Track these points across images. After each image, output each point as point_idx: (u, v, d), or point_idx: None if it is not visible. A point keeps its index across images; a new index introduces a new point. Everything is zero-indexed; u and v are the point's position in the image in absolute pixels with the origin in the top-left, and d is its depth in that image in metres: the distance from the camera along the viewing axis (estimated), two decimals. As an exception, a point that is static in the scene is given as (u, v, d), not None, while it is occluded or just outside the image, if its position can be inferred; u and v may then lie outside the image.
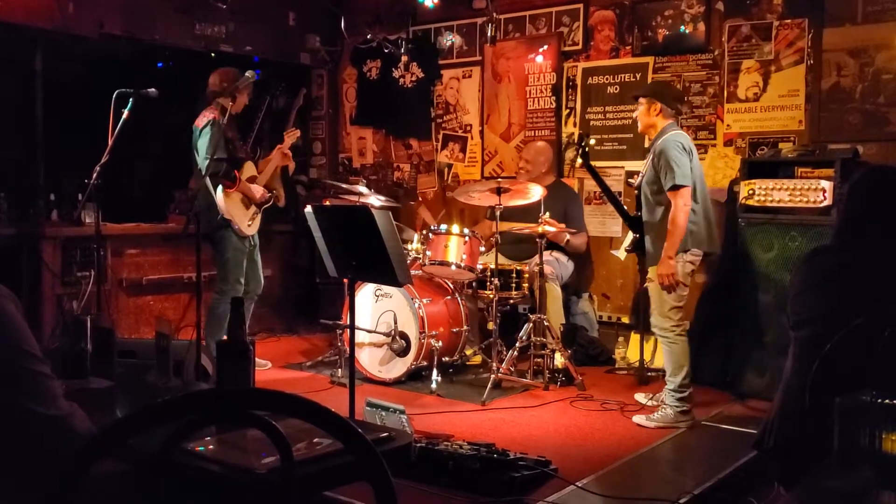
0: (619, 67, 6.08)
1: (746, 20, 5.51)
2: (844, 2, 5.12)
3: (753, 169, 5.05)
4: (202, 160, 5.14)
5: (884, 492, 1.75)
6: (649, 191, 4.49)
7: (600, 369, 5.62)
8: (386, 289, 5.19)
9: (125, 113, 4.70)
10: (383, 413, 3.79)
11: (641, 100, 4.63)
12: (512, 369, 5.19)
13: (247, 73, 5.17)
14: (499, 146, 6.76)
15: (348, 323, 3.96)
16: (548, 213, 5.17)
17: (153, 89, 4.83)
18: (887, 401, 1.75)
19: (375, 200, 5.64)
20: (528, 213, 5.38)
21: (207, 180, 5.09)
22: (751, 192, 4.93)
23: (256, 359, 2.49)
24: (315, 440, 1.68)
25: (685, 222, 4.30)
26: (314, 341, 6.53)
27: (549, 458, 3.62)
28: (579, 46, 6.27)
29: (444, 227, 5.34)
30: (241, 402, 1.28)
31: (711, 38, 5.65)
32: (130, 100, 4.72)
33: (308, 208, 3.88)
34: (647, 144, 4.70)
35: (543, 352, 5.12)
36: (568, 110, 6.37)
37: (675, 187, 4.29)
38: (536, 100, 6.50)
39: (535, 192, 5.23)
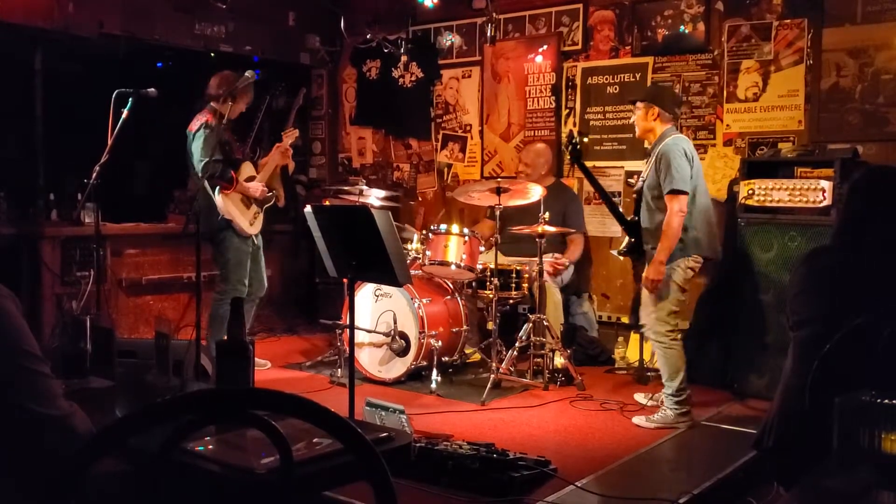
0: (619, 67, 6.08)
1: (746, 20, 5.51)
2: (844, 2, 5.12)
3: (753, 169, 5.05)
4: (197, 163, 5.14)
5: (883, 492, 1.75)
6: (650, 195, 4.46)
7: (600, 369, 5.62)
8: (386, 289, 5.19)
9: (125, 113, 4.70)
10: (383, 413, 3.79)
11: (639, 104, 4.60)
12: (511, 369, 5.19)
13: (246, 73, 5.16)
14: (498, 146, 6.76)
15: (348, 323, 3.96)
16: (547, 214, 5.17)
17: (153, 89, 4.83)
18: (887, 401, 1.75)
19: (375, 200, 5.64)
20: (528, 213, 5.38)
21: (205, 183, 5.09)
22: (750, 192, 4.93)
23: (256, 359, 2.50)
24: (315, 440, 1.68)
25: (679, 228, 4.29)
26: (314, 341, 6.53)
27: (549, 458, 3.62)
28: (579, 46, 6.27)
29: (443, 227, 5.33)
30: (240, 402, 1.28)
31: (711, 38, 5.65)
32: (130, 99, 4.72)
33: (308, 208, 3.88)
34: (647, 145, 4.69)
35: (543, 352, 5.13)
36: (567, 110, 6.37)
37: (673, 192, 4.29)
38: (536, 100, 6.50)
39: (535, 193, 5.23)
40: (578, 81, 6.29)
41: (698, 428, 4.40)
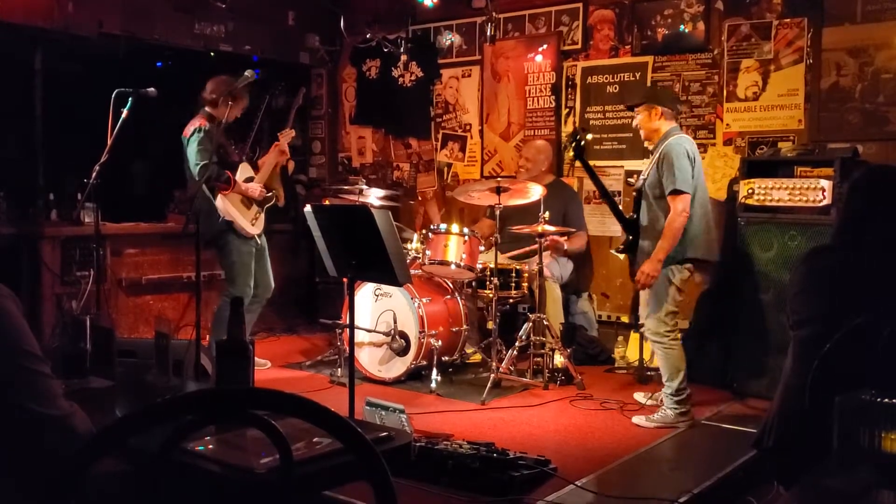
0: (619, 67, 6.07)
1: (746, 19, 5.51)
2: (844, 1, 5.12)
3: (753, 168, 5.05)
4: (193, 167, 5.14)
5: (883, 491, 1.75)
6: (651, 195, 4.45)
7: (600, 368, 5.62)
8: (385, 288, 5.19)
9: (124, 112, 4.70)
10: (383, 412, 3.79)
11: (639, 108, 4.56)
12: (511, 369, 5.19)
13: (246, 73, 5.16)
14: (498, 145, 6.76)
15: (348, 322, 3.96)
16: (548, 213, 5.17)
17: (152, 89, 4.83)
18: (887, 400, 1.75)
19: (375, 200, 5.64)
20: (528, 212, 5.38)
21: (204, 186, 5.08)
22: (750, 191, 4.93)
23: (256, 358, 2.50)
24: (314, 440, 1.68)
25: (681, 227, 4.29)
26: (314, 341, 6.53)
27: (549, 457, 3.62)
28: (579, 46, 6.27)
29: (443, 226, 5.33)
30: (240, 402, 1.28)
31: (711, 38, 5.65)
32: (130, 99, 4.73)
33: (308, 208, 3.88)
34: (648, 146, 4.68)
35: (543, 351, 5.13)
36: (567, 109, 6.37)
37: (675, 192, 4.28)
38: (536, 99, 6.50)
39: (535, 192, 5.23)
40: (578, 81, 6.28)
41: (698, 427, 4.40)
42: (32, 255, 5.55)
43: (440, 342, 5.12)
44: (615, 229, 6.03)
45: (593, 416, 4.55)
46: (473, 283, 5.41)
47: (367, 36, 7.22)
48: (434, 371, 5.06)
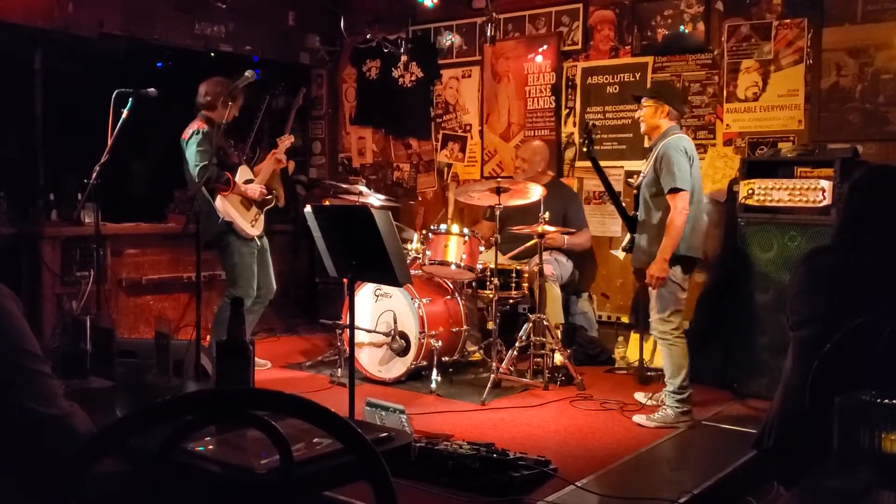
0: (619, 67, 6.08)
1: (746, 20, 5.51)
2: (844, 1, 5.12)
3: (753, 168, 5.05)
4: (193, 169, 5.14)
5: (883, 491, 1.75)
6: (648, 193, 4.47)
7: (600, 369, 5.62)
8: (386, 288, 5.19)
9: (124, 112, 4.70)
10: (383, 413, 3.79)
11: (647, 101, 4.57)
12: (511, 369, 5.19)
13: (246, 73, 5.16)
14: (498, 146, 6.76)
15: (348, 323, 3.96)
16: (548, 213, 5.17)
17: (152, 89, 4.82)
18: (887, 401, 1.75)
19: (375, 200, 5.64)
20: (528, 213, 5.38)
21: (203, 188, 5.08)
22: (750, 191, 4.93)
23: (256, 358, 2.49)
24: (315, 440, 1.67)
25: (682, 226, 4.29)
26: (314, 341, 6.53)
27: (549, 457, 3.62)
28: (579, 46, 6.27)
29: (443, 226, 5.33)
30: (240, 402, 1.28)
31: (711, 38, 5.65)
32: (130, 99, 4.72)
33: (308, 208, 3.88)
34: (647, 144, 4.68)
35: (543, 351, 5.13)
36: (567, 110, 6.37)
37: (674, 190, 4.29)
38: (536, 99, 6.50)
39: (535, 192, 5.23)
40: (578, 81, 6.29)
41: (698, 428, 4.40)
42: (33, 256, 5.55)
43: (440, 342, 5.12)
44: (615, 229, 6.05)
45: (593, 417, 4.55)
46: (473, 284, 5.41)
47: (368, 36, 7.22)
48: (434, 371, 5.06)
